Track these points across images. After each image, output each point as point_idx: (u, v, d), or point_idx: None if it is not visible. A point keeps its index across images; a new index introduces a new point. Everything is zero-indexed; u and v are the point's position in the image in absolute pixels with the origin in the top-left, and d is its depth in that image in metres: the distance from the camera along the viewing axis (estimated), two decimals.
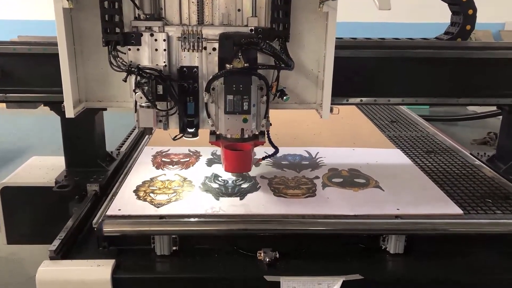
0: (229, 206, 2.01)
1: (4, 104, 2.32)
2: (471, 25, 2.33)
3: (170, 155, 2.58)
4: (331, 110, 2.01)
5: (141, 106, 1.87)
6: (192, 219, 1.92)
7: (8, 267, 3.50)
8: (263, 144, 2.07)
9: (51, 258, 1.78)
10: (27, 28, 5.07)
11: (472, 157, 2.75)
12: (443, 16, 2.67)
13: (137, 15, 1.87)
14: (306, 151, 2.68)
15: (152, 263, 1.85)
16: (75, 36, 1.94)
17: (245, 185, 2.20)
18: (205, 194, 2.11)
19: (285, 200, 2.07)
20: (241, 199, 2.07)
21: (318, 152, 2.65)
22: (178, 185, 2.20)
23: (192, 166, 2.44)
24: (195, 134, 2.00)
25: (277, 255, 1.83)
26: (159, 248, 1.86)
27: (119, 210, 1.95)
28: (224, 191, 2.14)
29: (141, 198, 2.06)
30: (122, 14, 1.85)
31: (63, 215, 2.11)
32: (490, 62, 2.31)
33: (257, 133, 1.98)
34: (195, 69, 1.93)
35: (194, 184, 2.21)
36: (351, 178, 2.31)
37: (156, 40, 1.88)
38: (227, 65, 1.82)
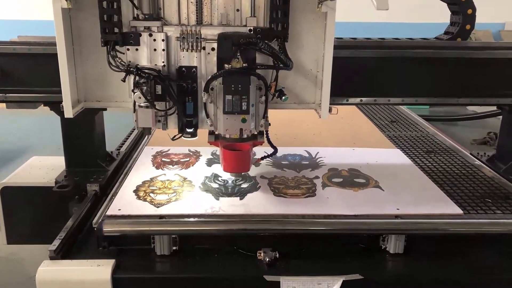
0: (229, 206, 2.01)
1: (4, 104, 2.32)
2: (470, 25, 2.32)
3: (170, 155, 2.58)
4: (330, 110, 2.00)
5: (139, 106, 1.87)
6: (192, 219, 1.92)
7: (8, 267, 3.50)
8: (261, 144, 2.07)
9: (51, 258, 1.78)
10: (27, 28, 5.07)
11: (472, 157, 2.75)
12: (443, 16, 2.66)
13: (135, 15, 1.87)
14: (306, 151, 2.68)
15: (152, 263, 1.84)
16: (74, 36, 1.94)
17: (245, 185, 2.20)
18: (205, 194, 2.11)
19: (285, 200, 2.07)
20: (241, 199, 2.07)
21: (318, 152, 2.65)
22: (178, 185, 2.20)
23: (192, 166, 2.44)
24: (194, 134, 2.00)
25: (277, 255, 1.83)
26: (159, 248, 1.86)
27: (119, 210, 1.95)
28: (224, 191, 2.14)
29: (141, 198, 2.06)
30: (121, 14, 1.85)
31: (63, 215, 2.12)
32: (490, 62, 2.30)
33: (256, 133, 1.98)
34: (194, 69, 1.93)
35: (194, 184, 2.21)
36: (351, 178, 2.31)
37: (155, 40, 1.88)
38: (226, 65, 1.81)
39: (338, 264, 1.84)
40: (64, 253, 1.83)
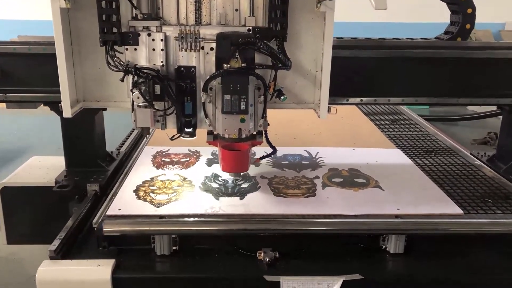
0: (229, 206, 2.01)
1: (4, 104, 2.32)
2: (470, 24, 2.32)
3: (170, 155, 2.58)
4: (329, 110, 2.00)
5: (138, 106, 1.86)
6: (192, 219, 1.92)
7: (8, 267, 3.50)
8: (260, 144, 2.06)
9: (51, 258, 1.78)
10: (27, 28, 5.06)
11: (472, 157, 2.75)
12: (443, 16, 2.66)
13: (134, 15, 1.87)
14: (306, 151, 2.67)
15: (152, 263, 1.84)
16: (72, 36, 1.94)
17: (245, 185, 2.20)
18: (205, 194, 2.11)
19: (285, 200, 2.07)
20: (241, 199, 2.07)
21: (318, 152, 2.65)
22: (178, 185, 2.20)
23: (192, 166, 2.44)
24: (192, 134, 2.00)
25: (277, 255, 1.83)
26: (159, 248, 1.86)
27: (119, 210, 1.95)
28: (224, 191, 2.14)
29: (141, 198, 2.06)
30: (120, 14, 1.85)
31: (63, 215, 2.11)
32: (490, 62, 2.30)
33: (254, 133, 1.97)
34: (193, 69, 1.93)
35: (194, 184, 2.21)
36: (351, 178, 2.31)
37: (153, 40, 1.88)
38: (225, 65, 1.81)
39: (338, 264, 1.84)
40: (64, 253, 1.82)
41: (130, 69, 1.82)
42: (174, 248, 1.88)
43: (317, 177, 2.31)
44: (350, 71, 2.22)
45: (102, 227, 1.83)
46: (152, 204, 1.99)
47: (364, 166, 2.45)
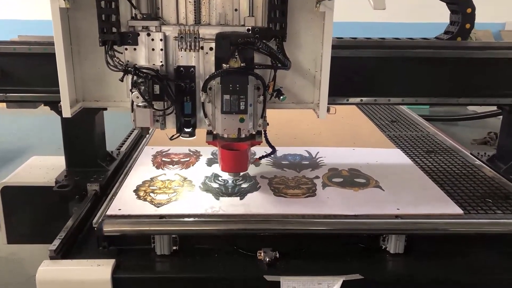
0: (229, 206, 2.01)
1: (4, 104, 2.32)
2: (470, 24, 2.32)
3: (170, 154, 2.58)
4: (328, 110, 2.00)
5: (137, 106, 1.86)
6: (192, 219, 1.92)
7: (8, 267, 3.50)
8: (260, 144, 2.06)
9: (51, 258, 1.78)
10: (27, 28, 5.07)
11: (472, 157, 2.75)
12: (443, 16, 2.66)
13: (134, 15, 1.87)
14: (306, 151, 2.67)
15: (152, 263, 1.84)
16: (72, 35, 1.94)
17: (245, 185, 2.20)
18: (205, 194, 2.11)
19: (285, 200, 2.07)
20: (241, 199, 2.07)
21: (318, 152, 2.65)
22: (178, 184, 2.20)
23: (192, 166, 2.44)
24: (192, 134, 2.00)
25: (277, 255, 1.83)
26: (159, 248, 1.86)
27: (119, 210, 1.95)
28: (224, 191, 2.14)
29: (141, 197, 2.06)
30: (119, 13, 1.85)
31: (63, 215, 2.12)
32: (490, 62, 2.30)
33: (254, 133, 1.97)
34: (192, 69, 1.93)
35: (194, 184, 2.21)
36: (351, 178, 2.31)
37: (153, 39, 1.88)
38: (224, 65, 1.81)
39: (338, 264, 1.84)
40: (64, 253, 1.82)
41: (129, 69, 1.83)
42: (174, 248, 1.87)
43: (317, 177, 2.31)
44: (350, 71, 2.22)
45: (102, 227, 1.83)
46: (152, 204, 1.99)
47: (364, 166, 2.45)
